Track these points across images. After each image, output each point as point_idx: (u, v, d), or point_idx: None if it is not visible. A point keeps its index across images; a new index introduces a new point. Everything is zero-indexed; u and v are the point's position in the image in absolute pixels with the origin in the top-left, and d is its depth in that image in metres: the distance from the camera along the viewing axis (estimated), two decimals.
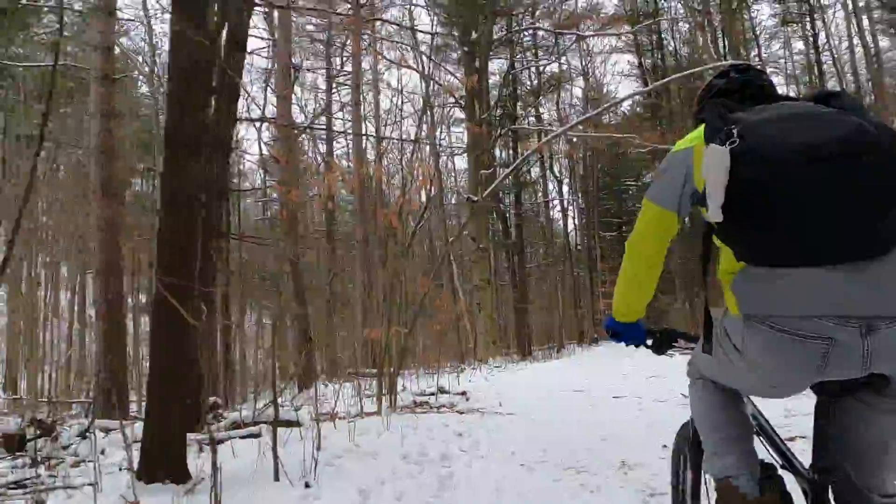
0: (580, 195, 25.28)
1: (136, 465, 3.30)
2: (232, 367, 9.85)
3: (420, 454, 4.09)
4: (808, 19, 19.36)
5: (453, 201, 23.19)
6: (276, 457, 3.34)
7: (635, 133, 12.92)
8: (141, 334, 13.99)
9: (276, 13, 12.05)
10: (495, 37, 18.07)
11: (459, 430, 4.98)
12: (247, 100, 12.69)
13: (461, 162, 23.20)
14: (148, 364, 3.83)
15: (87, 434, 4.66)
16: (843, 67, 18.27)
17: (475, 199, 15.71)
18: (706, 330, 1.44)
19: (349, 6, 14.50)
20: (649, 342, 1.74)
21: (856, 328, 1.16)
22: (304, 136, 17.20)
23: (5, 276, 6.25)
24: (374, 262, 15.24)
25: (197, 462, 3.58)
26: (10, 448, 4.48)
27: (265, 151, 17.69)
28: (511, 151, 23.11)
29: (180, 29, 3.64)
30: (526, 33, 20.53)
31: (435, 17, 18.37)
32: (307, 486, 3.26)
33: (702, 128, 1.35)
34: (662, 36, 22.61)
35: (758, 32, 21.00)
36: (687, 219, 1.50)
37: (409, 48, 15.86)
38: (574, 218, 25.98)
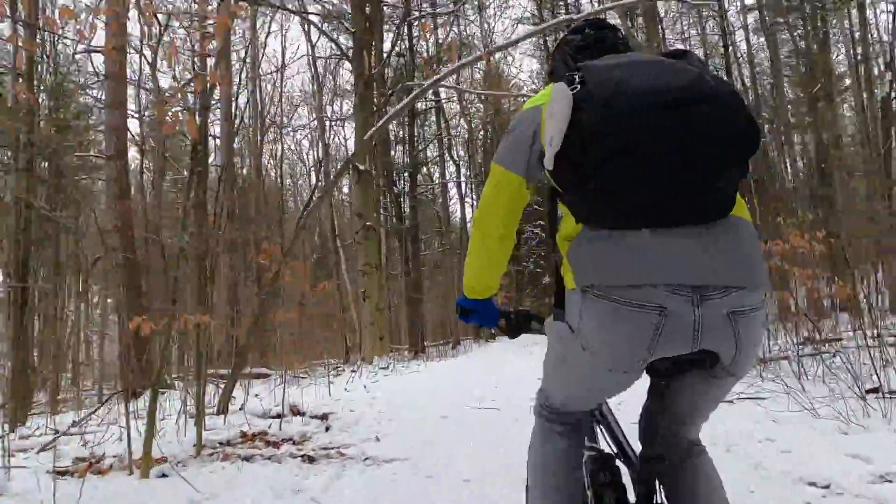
0: (478, 180, 23.65)
1: None
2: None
3: None
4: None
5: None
6: None
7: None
8: None
9: None
10: None
11: None
12: None
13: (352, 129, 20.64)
14: None
15: None
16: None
17: (361, 167, 13.30)
18: (557, 299, 1.35)
19: None
20: (502, 322, 1.58)
21: (688, 296, 1.09)
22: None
23: None
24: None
25: None
26: None
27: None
28: (407, 122, 20.92)
29: None
30: None
31: None
32: None
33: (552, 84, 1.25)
34: None
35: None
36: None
37: None
38: (472, 205, 24.33)
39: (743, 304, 1.11)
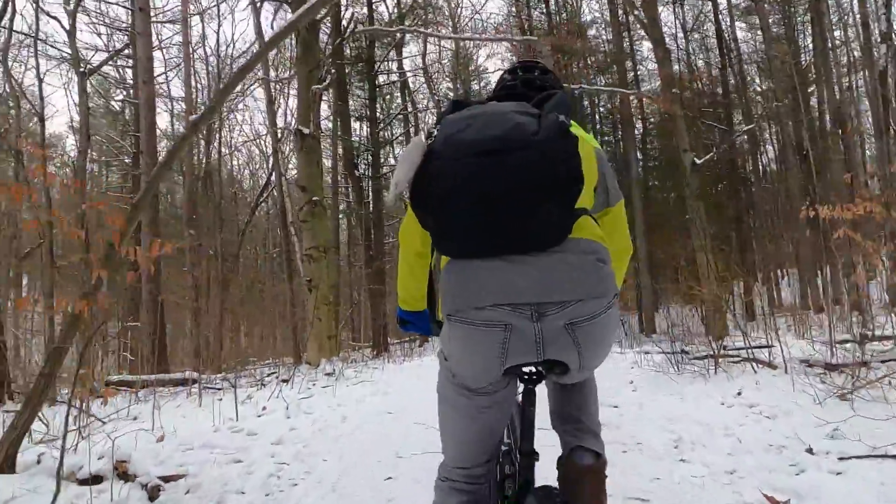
0: None
1: None
2: None
3: None
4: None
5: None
6: None
7: None
8: None
9: None
10: None
11: None
12: None
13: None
14: None
15: None
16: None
17: (306, 130, 11.09)
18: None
19: None
20: (437, 331, 1.60)
21: (527, 313, 1.25)
22: None
23: None
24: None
25: None
26: None
27: None
28: (367, 97, 18.74)
29: None
30: None
31: None
32: None
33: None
34: None
35: None
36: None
37: None
38: None
39: (581, 314, 1.27)
